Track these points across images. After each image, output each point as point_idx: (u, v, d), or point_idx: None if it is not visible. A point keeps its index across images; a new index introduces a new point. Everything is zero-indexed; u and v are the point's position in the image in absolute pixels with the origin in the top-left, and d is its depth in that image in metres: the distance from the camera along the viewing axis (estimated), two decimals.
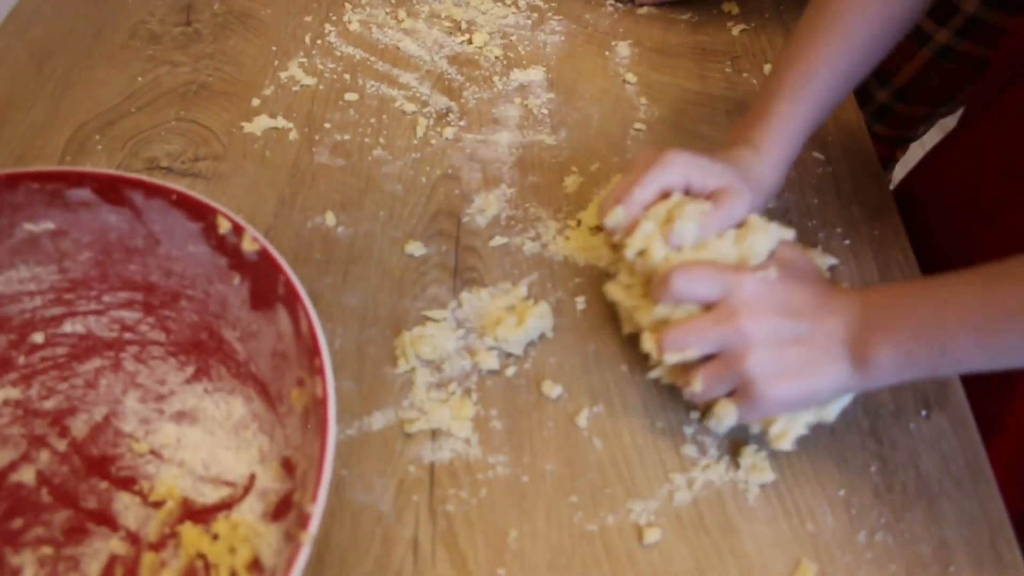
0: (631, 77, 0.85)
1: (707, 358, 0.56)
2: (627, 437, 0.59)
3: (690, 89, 0.83)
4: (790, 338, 0.54)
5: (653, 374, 0.60)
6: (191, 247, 0.58)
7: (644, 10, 0.92)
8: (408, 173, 0.74)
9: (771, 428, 0.56)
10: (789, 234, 0.61)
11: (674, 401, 0.61)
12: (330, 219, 0.70)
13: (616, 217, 0.60)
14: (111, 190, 0.59)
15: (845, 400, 0.57)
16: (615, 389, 0.62)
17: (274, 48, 0.86)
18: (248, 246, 0.55)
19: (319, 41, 0.87)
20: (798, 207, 0.74)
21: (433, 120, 0.79)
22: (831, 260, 0.70)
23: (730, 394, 0.56)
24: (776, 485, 0.58)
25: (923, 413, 0.62)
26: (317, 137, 0.77)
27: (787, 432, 0.56)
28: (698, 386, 0.55)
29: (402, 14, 0.90)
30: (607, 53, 0.87)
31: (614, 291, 0.63)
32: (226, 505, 0.55)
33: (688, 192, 0.61)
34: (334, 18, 0.90)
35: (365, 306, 0.65)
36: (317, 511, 0.43)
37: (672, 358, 0.56)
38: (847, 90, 0.68)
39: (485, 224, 0.70)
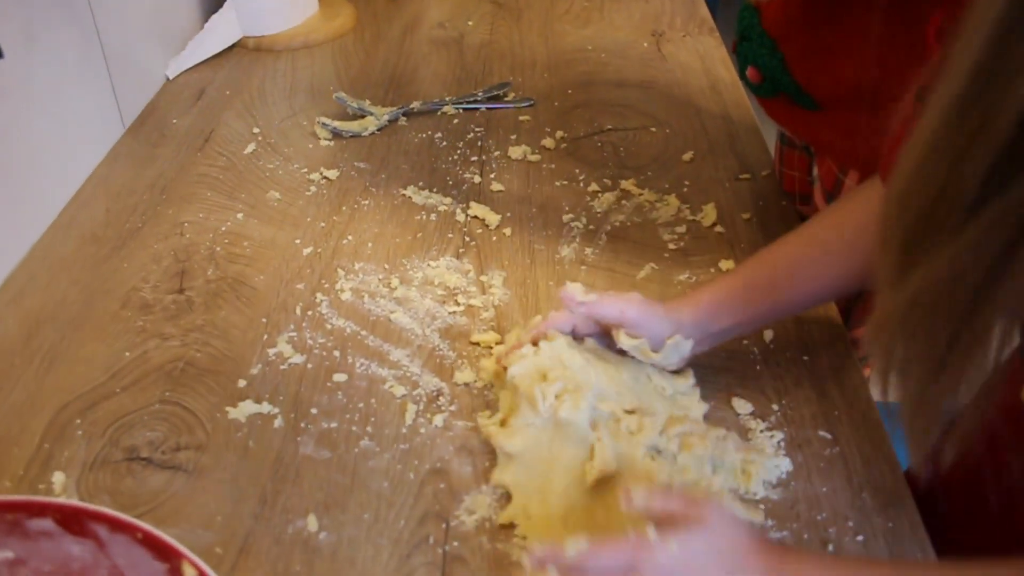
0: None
1: None
2: None
3: (689, 362, 0.81)
4: None
5: None
6: None
7: (643, 273, 0.91)
8: (396, 468, 0.71)
9: None
10: None
11: None
12: (312, 523, 0.67)
13: None
14: (74, 522, 0.57)
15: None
16: None
17: (264, 320, 0.85)
18: None
19: (310, 312, 0.86)
20: (806, 497, 0.70)
21: (423, 405, 0.76)
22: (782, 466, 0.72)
23: None
24: None
25: None
26: (303, 425, 0.75)
27: None
28: None
29: (395, 281, 0.89)
30: None
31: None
32: None
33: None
34: (326, 285, 0.89)
35: None
36: None
37: None
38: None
39: (474, 528, 0.67)
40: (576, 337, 0.76)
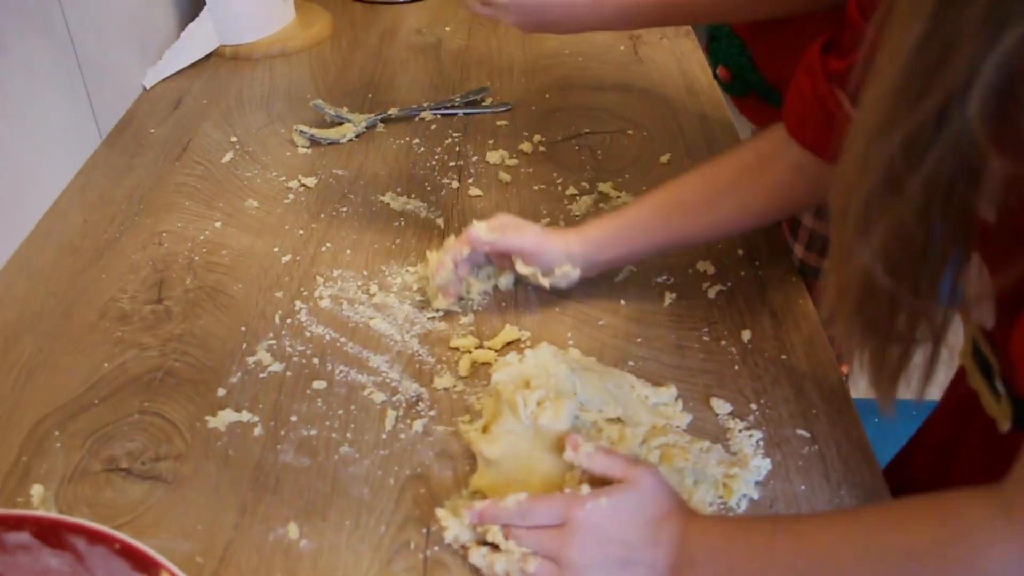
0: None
1: None
2: None
3: (668, 363, 0.81)
4: (615, 565, 0.61)
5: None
6: None
7: (621, 276, 0.91)
8: (376, 474, 0.71)
9: None
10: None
11: None
12: (293, 531, 0.67)
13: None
14: (52, 534, 0.56)
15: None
16: None
17: (243, 329, 0.85)
18: None
19: (289, 320, 0.86)
20: (785, 496, 0.70)
21: (403, 411, 0.76)
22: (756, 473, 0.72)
23: None
24: None
25: None
26: (283, 432, 0.75)
27: None
28: (531, 567, 0.61)
29: (373, 287, 0.89)
30: (586, 328, 0.85)
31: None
32: None
33: None
34: (305, 293, 0.89)
35: None
36: None
37: (514, 548, 0.62)
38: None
39: (454, 535, 0.67)
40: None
